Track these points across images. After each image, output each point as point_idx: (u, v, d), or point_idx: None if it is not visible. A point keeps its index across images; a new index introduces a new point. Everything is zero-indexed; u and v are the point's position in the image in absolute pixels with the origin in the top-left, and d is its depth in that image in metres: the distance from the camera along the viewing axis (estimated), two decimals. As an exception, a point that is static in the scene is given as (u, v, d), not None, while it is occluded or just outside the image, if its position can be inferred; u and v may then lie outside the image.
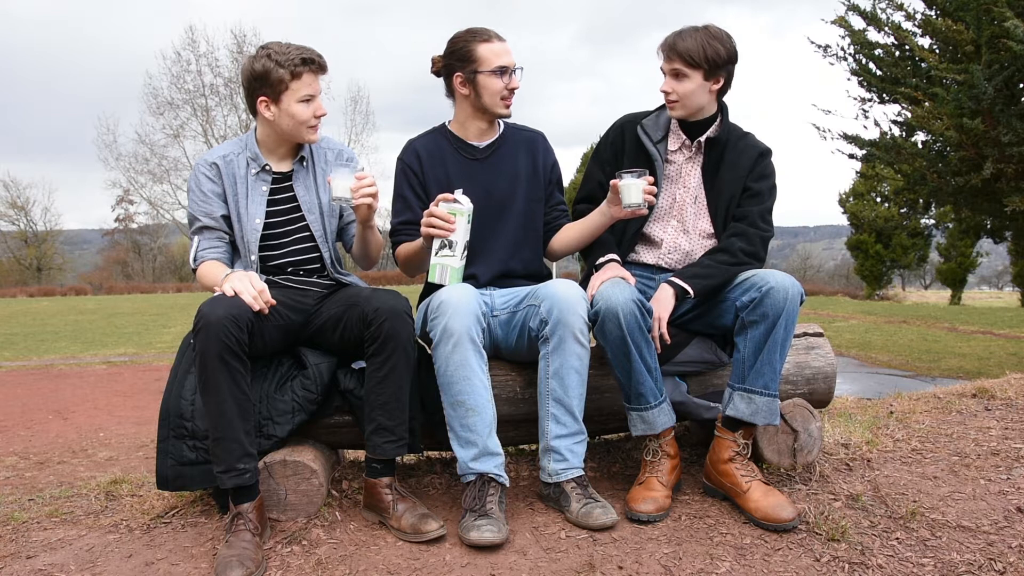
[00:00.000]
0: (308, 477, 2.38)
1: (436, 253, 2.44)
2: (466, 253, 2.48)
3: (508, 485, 2.41)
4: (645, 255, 2.77)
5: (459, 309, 2.33)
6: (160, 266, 51.96)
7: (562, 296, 2.39)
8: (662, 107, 2.74)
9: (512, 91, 2.67)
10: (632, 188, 2.42)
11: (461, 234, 2.42)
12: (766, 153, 2.72)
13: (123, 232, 53.67)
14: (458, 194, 2.45)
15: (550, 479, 2.44)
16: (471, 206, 2.45)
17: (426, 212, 2.42)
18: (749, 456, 2.50)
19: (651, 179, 2.44)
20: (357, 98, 31.79)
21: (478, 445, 2.34)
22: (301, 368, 2.49)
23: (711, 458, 2.55)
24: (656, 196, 2.70)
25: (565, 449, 2.43)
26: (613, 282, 2.43)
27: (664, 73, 2.62)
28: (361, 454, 2.76)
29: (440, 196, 2.42)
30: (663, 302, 2.51)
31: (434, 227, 2.40)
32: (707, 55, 2.53)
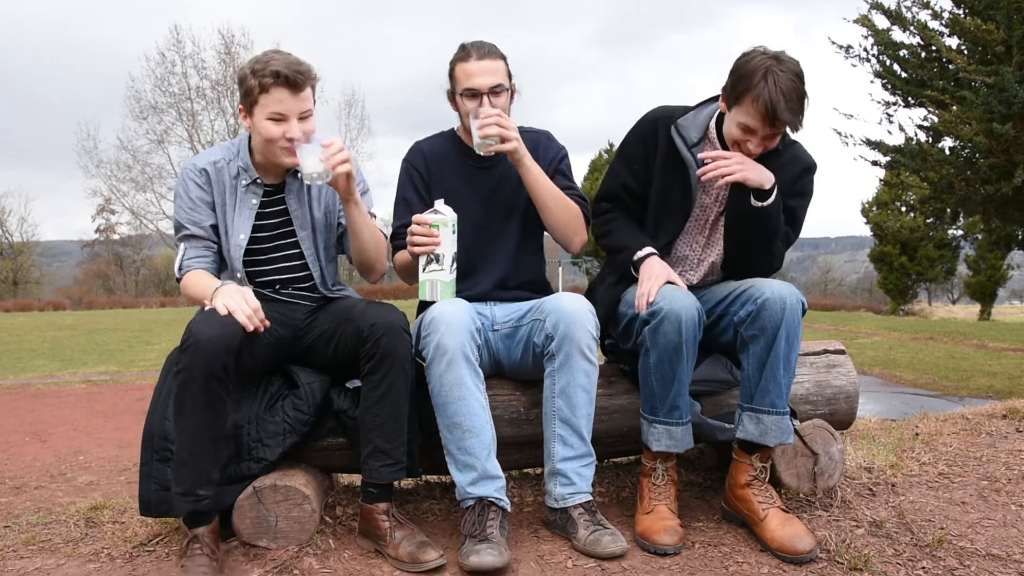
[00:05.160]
0: (300, 503, 2.38)
1: (424, 269, 2.46)
2: (455, 265, 2.49)
3: (509, 510, 2.41)
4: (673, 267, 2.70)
5: (452, 325, 2.34)
6: (143, 280, 51.99)
7: (569, 310, 2.40)
8: (700, 105, 2.61)
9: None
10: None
11: (447, 246, 2.43)
12: (811, 168, 2.63)
13: (104, 244, 53.70)
14: (439, 204, 2.47)
15: (556, 504, 2.44)
16: (454, 215, 2.47)
17: (408, 231, 2.44)
18: (768, 480, 2.50)
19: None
20: (352, 101, 31.60)
21: (476, 468, 2.35)
22: (292, 387, 2.49)
23: (729, 482, 2.55)
24: (691, 207, 2.63)
25: (572, 472, 2.43)
26: (675, 287, 2.41)
27: (750, 129, 2.38)
28: (356, 478, 2.77)
29: (415, 217, 2.44)
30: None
31: (418, 244, 2.42)
32: (803, 112, 2.35)
